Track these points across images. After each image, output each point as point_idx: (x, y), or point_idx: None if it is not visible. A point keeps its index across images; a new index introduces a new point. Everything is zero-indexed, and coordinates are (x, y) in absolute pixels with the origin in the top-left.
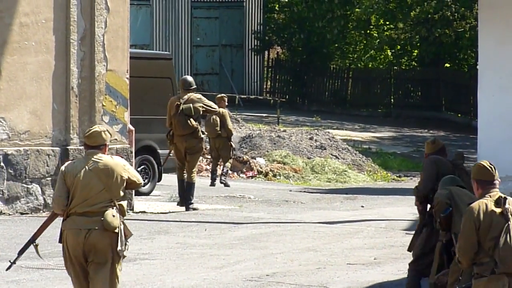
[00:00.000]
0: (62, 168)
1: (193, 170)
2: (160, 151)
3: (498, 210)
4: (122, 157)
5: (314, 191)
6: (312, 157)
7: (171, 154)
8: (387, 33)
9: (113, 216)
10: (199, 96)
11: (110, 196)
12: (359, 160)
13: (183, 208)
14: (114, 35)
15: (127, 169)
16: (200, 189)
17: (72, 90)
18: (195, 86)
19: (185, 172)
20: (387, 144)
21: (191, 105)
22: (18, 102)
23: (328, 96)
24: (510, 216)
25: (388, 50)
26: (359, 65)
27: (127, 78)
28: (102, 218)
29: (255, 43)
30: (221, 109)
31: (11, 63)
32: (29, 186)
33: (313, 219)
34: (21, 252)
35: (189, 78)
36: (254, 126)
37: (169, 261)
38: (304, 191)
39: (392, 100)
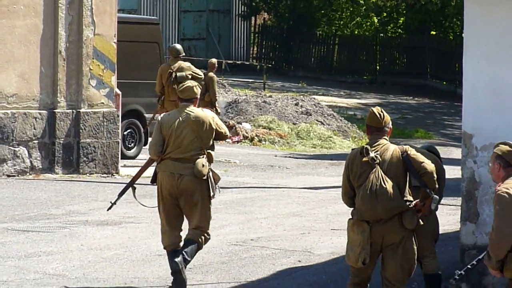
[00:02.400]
0: (159, 118)
1: None
2: (146, 115)
3: (364, 158)
4: (117, 122)
5: (299, 156)
6: (297, 122)
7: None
8: (374, 0)
9: (203, 165)
10: (188, 64)
11: (200, 145)
12: (345, 126)
13: None
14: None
15: (215, 121)
16: None
17: (60, 54)
18: (183, 54)
19: None
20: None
21: (184, 73)
22: (6, 66)
23: (314, 63)
24: (377, 164)
25: (374, 17)
26: (345, 31)
27: (114, 42)
28: (193, 166)
29: (242, 9)
30: (210, 73)
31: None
32: (16, 149)
33: (298, 185)
34: (120, 194)
35: (178, 46)
36: (240, 92)
37: (154, 225)
38: (289, 157)
39: (377, 67)
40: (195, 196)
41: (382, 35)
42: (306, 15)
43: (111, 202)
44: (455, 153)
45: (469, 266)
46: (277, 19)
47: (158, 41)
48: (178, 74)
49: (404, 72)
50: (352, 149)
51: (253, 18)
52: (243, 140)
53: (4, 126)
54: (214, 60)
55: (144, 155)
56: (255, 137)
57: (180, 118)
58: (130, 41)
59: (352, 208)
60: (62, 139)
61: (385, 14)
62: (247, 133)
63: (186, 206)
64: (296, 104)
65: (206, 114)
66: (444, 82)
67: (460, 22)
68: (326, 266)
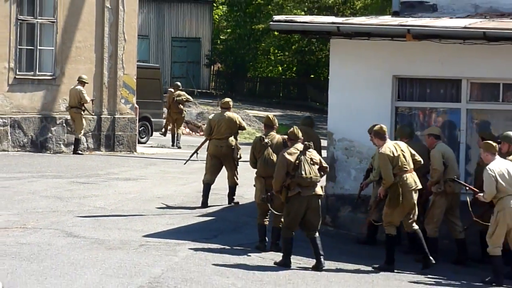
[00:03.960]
0: (210, 117)
1: (180, 127)
2: (152, 119)
3: (262, 143)
4: (136, 123)
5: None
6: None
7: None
8: (279, 57)
9: (232, 140)
10: (183, 92)
11: (230, 131)
12: (261, 126)
13: (167, 150)
14: (128, 54)
15: (239, 119)
16: (167, 141)
17: (104, 85)
18: (180, 87)
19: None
20: (278, 119)
21: (182, 97)
22: None
23: (246, 92)
24: (269, 146)
25: (279, 67)
26: (263, 74)
27: (135, 78)
28: (226, 141)
29: (206, 61)
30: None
31: (71, 68)
32: (83, 137)
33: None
34: (189, 158)
35: (178, 83)
36: (204, 107)
37: (155, 181)
38: None
39: (281, 94)
40: (229, 157)
41: (283, 76)
42: (242, 65)
43: (184, 162)
44: (323, 143)
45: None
46: (225, 67)
47: (159, 78)
48: (177, 98)
49: (295, 98)
50: (256, 137)
51: (212, 66)
52: None
53: (73, 125)
54: (186, 97)
55: (151, 142)
56: None
57: (220, 116)
58: (144, 78)
59: (255, 169)
60: (105, 132)
61: (285, 65)
62: None
63: (225, 163)
64: (237, 112)
65: (234, 115)
66: (318, 103)
67: (327, 70)
68: (251, 204)
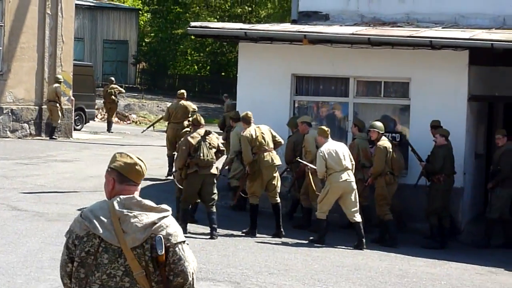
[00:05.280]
0: (168, 105)
1: (113, 116)
2: (86, 110)
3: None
4: (72, 113)
5: (156, 131)
6: (157, 115)
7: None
8: (195, 58)
9: (186, 124)
10: (116, 86)
11: (185, 117)
12: None
13: (99, 136)
14: (65, 54)
15: (192, 107)
16: (100, 128)
17: (45, 80)
18: (114, 81)
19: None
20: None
21: (115, 89)
22: (19, 85)
23: (167, 87)
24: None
25: (195, 66)
26: (182, 72)
27: (71, 75)
28: (182, 125)
29: (133, 60)
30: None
31: (16, 66)
32: (23, 125)
33: (154, 143)
34: (147, 128)
35: (113, 78)
36: (131, 100)
37: (89, 162)
38: (150, 130)
39: (196, 89)
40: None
41: (199, 74)
42: (163, 64)
43: (142, 131)
44: None
45: None
46: (149, 66)
47: (92, 75)
48: (109, 90)
49: (209, 92)
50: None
51: (138, 65)
52: (132, 122)
53: (17, 114)
54: (119, 89)
55: (85, 129)
56: (138, 121)
57: (177, 105)
58: (79, 74)
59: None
60: (45, 120)
61: (200, 64)
62: (134, 119)
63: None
64: (158, 106)
65: (188, 103)
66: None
67: (236, 69)
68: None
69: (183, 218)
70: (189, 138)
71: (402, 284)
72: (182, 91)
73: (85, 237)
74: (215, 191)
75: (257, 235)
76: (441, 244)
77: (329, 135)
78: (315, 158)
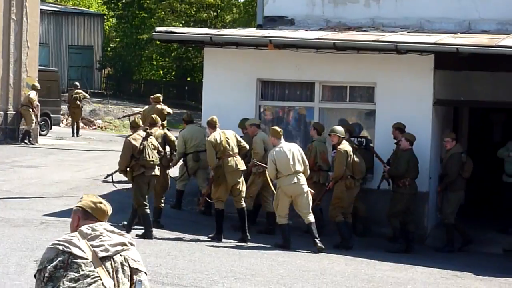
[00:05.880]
0: (143, 109)
1: (78, 120)
2: (52, 115)
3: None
4: (37, 118)
5: (121, 135)
6: (122, 120)
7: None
8: (161, 63)
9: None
10: (80, 91)
11: (162, 119)
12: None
13: (64, 142)
14: (30, 60)
15: (167, 110)
16: (65, 133)
17: (10, 85)
18: (79, 86)
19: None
20: None
21: (79, 95)
22: None
23: (132, 92)
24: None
25: (161, 71)
26: (147, 77)
27: (37, 80)
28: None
29: (98, 66)
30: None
31: None
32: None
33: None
34: (124, 116)
35: (77, 83)
36: (96, 105)
37: (54, 167)
38: (113, 135)
39: (162, 94)
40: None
41: (164, 79)
42: (128, 69)
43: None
44: None
45: None
46: (114, 71)
47: (57, 80)
48: (74, 95)
49: (175, 97)
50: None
51: (103, 70)
52: (97, 128)
53: None
54: (82, 94)
55: (50, 134)
56: (103, 126)
57: (152, 108)
58: (44, 79)
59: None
60: (10, 126)
61: (166, 70)
62: (100, 125)
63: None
64: (123, 111)
65: (163, 106)
66: (193, 102)
67: (201, 74)
68: None
69: (146, 223)
70: (131, 140)
71: None
72: (158, 95)
73: (55, 257)
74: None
75: (223, 240)
76: (406, 248)
77: (282, 136)
78: (262, 160)
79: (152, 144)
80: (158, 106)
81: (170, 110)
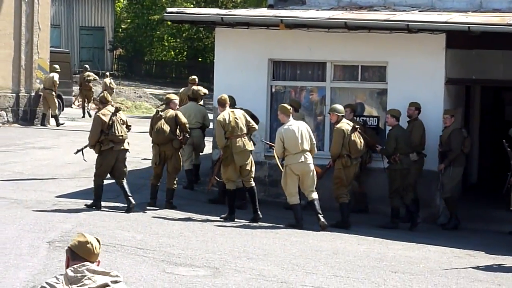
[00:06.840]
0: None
1: (90, 101)
2: (63, 96)
3: (157, 115)
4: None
5: (135, 117)
6: (135, 101)
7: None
8: (172, 44)
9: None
10: (91, 73)
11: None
12: (158, 103)
13: (76, 123)
14: (42, 41)
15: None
16: (77, 114)
17: (21, 67)
18: (89, 69)
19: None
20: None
21: (90, 77)
22: None
23: (144, 73)
24: (163, 118)
25: (172, 51)
26: (158, 58)
27: (48, 61)
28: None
29: (110, 47)
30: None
31: None
32: (1, 112)
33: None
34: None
35: (87, 66)
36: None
37: (66, 149)
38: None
39: (174, 75)
40: None
41: (176, 60)
42: (140, 50)
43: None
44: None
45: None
46: (126, 52)
47: (69, 61)
48: (87, 78)
49: (186, 78)
50: (156, 111)
51: (115, 51)
52: None
53: None
54: (92, 77)
55: (63, 115)
56: (117, 108)
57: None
58: (55, 61)
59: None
60: (22, 108)
61: (177, 50)
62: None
63: None
64: (135, 92)
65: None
66: (205, 83)
67: (213, 54)
68: (148, 168)
69: (96, 194)
70: (100, 115)
71: (381, 268)
72: (194, 76)
73: None
74: (126, 165)
75: (236, 220)
76: (410, 226)
77: (291, 114)
78: None
79: (121, 119)
80: (194, 87)
81: (206, 91)
